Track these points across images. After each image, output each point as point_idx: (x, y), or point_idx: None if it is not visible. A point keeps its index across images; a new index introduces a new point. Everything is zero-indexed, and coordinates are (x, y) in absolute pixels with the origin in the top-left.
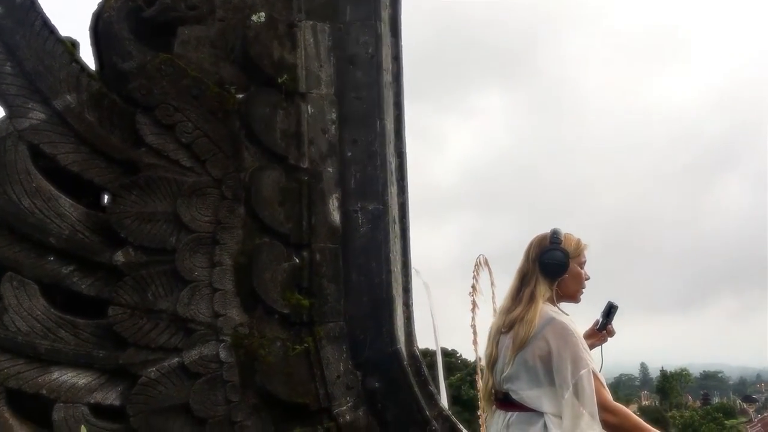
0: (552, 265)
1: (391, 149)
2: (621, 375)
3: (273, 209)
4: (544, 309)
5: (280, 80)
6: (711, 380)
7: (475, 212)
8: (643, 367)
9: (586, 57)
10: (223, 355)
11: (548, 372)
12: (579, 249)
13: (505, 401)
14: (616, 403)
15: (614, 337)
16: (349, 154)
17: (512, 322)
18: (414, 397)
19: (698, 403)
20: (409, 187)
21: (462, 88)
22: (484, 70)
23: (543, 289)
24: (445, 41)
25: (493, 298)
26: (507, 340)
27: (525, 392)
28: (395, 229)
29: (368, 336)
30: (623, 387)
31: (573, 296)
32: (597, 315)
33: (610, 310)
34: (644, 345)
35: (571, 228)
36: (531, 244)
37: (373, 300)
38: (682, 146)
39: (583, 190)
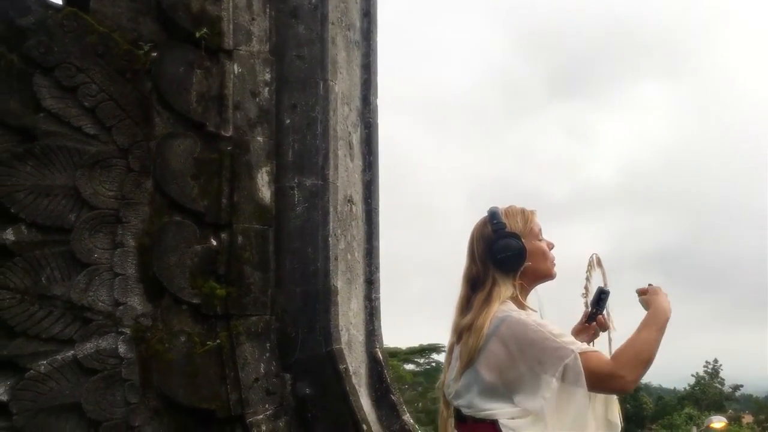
0: (509, 257)
1: (352, 117)
2: None
3: (184, 183)
4: (499, 310)
5: (198, 35)
6: None
7: (630, 210)
8: None
9: (754, 49)
10: (122, 349)
11: (509, 384)
12: (528, 221)
13: (458, 419)
14: (612, 360)
15: (610, 330)
16: (288, 121)
17: (461, 333)
18: (349, 407)
19: None
20: (567, 185)
21: (621, 82)
22: (644, 64)
23: (503, 289)
24: (605, 37)
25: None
26: (456, 352)
27: (477, 405)
28: (354, 211)
29: (300, 333)
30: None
31: (547, 275)
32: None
33: (600, 297)
34: None
35: (739, 230)
36: (472, 240)
37: (306, 291)
38: None
39: (751, 189)
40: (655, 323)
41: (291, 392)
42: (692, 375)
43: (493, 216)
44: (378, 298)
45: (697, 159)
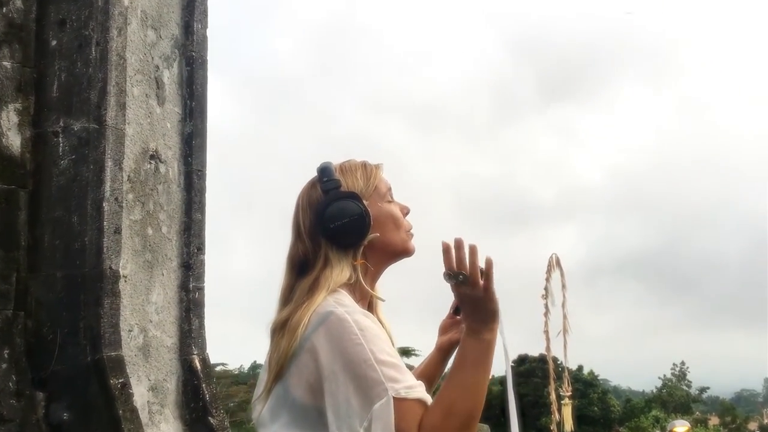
0: (345, 227)
1: (162, 48)
2: (742, 390)
3: None
4: (324, 303)
5: None
6: None
7: (613, 213)
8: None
9: (737, 58)
10: None
11: (324, 412)
12: (372, 177)
13: None
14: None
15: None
16: (54, 42)
17: (273, 333)
18: None
19: None
20: (555, 187)
21: (610, 87)
22: (632, 69)
23: (335, 273)
24: (595, 42)
25: (563, 301)
26: (267, 363)
27: None
28: (163, 171)
29: (60, 335)
30: (744, 403)
31: (402, 250)
32: None
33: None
34: None
35: (715, 236)
36: (297, 208)
37: (70, 277)
38: None
39: (730, 197)
40: (476, 357)
41: (44, 418)
42: (659, 377)
43: (323, 172)
44: (201, 289)
45: (679, 164)
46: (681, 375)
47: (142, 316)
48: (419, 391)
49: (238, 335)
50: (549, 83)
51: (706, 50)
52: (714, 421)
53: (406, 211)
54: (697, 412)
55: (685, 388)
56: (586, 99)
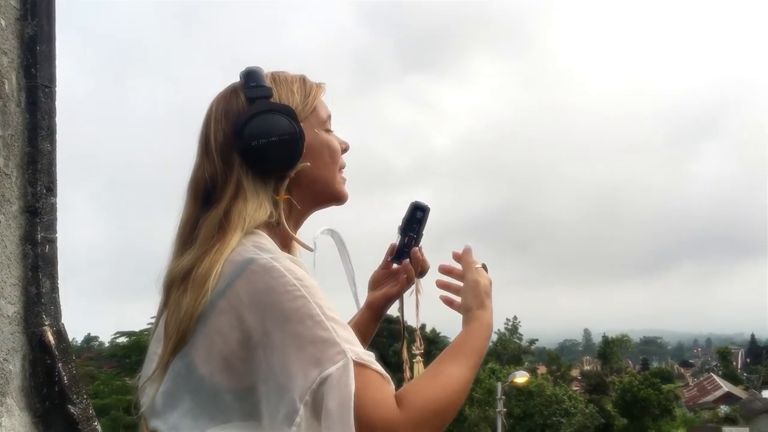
0: (270, 147)
1: None
2: (565, 340)
3: None
4: (240, 247)
5: None
6: (651, 346)
7: (462, 179)
8: (586, 333)
9: (579, 32)
10: None
11: (246, 394)
12: (311, 95)
13: None
14: (401, 406)
15: (428, 272)
16: None
17: (169, 287)
18: None
19: (638, 368)
20: (410, 154)
21: (463, 60)
22: (479, 41)
23: (251, 207)
24: (449, 15)
25: None
26: (160, 330)
27: None
28: (1, 86)
29: None
30: (567, 352)
31: (334, 191)
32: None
33: (413, 216)
34: (590, 311)
35: (551, 197)
36: (209, 117)
37: None
38: (668, 115)
39: (569, 162)
40: (476, 351)
41: None
42: (494, 332)
43: (250, 76)
44: (52, 241)
45: (523, 134)
46: (513, 329)
47: None
48: (376, 362)
49: (71, 306)
50: (406, 54)
51: (557, 30)
52: (542, 370)
53: (345, 147)
54: (527, 362)
55: (516, 341)
56: (442, 70)
